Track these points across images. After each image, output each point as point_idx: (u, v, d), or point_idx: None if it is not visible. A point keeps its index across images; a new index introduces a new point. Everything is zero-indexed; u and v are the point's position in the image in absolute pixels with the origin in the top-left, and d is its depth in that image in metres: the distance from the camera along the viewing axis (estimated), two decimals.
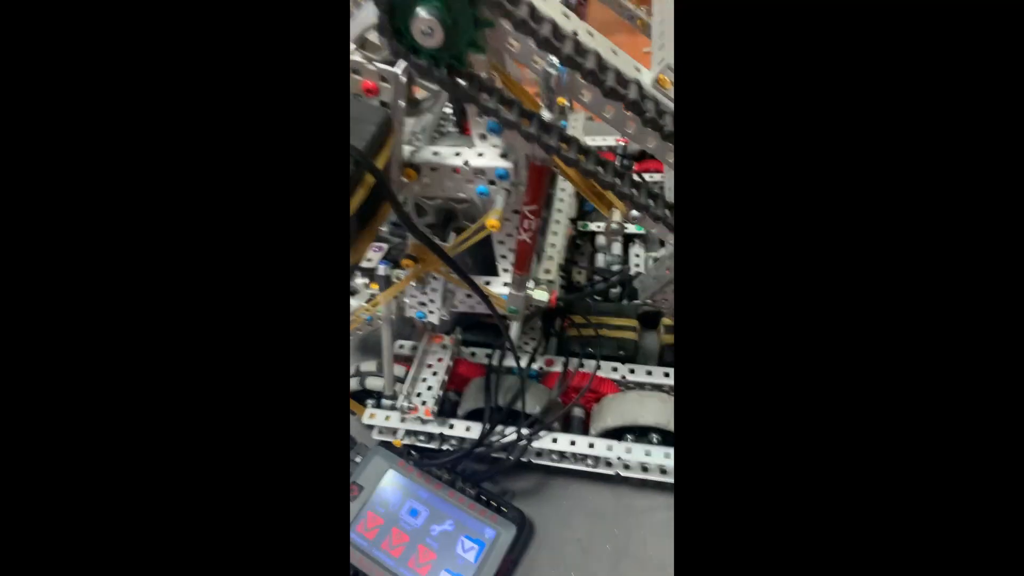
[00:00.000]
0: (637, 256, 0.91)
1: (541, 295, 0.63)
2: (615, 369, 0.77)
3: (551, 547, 0.71)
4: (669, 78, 0.42)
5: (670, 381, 0.75)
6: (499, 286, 0.67)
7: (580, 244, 0.95)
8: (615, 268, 0.90)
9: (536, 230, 0.56)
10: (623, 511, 0.73)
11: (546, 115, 0.44)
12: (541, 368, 0.79)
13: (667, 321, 0.80)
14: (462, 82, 0.38)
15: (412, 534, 0.69)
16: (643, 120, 0.42)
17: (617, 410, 0.70)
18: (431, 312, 0.73)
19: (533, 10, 0.35)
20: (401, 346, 0.81)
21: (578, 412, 0.77)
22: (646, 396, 0.71)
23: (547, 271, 0.73)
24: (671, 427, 0.68)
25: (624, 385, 0.77)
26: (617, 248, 0.91)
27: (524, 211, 0.54)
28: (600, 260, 0.92)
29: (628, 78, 0.41)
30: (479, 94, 0.38)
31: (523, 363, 0.75)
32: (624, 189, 0.47)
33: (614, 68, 0.40)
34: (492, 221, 0.53)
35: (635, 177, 0.49)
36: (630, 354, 0.79)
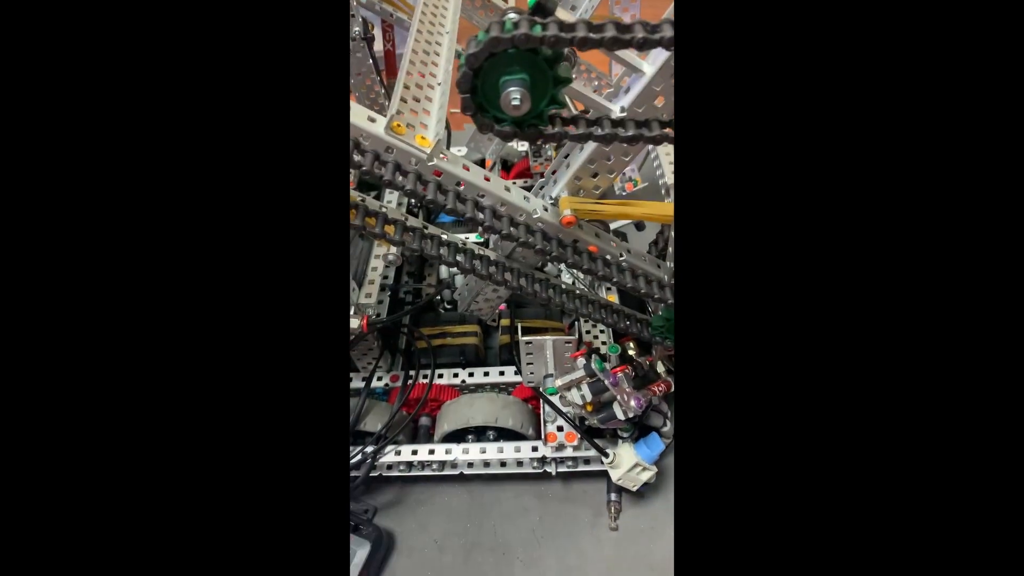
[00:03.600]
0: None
1: (352, 323, 0.66)
2: (456, 375, 0.82)
3: (411, 552, 0.76)
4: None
5: (504, 379, 0.81)
6: None
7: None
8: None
9: None
10: (475, 506, 0.79)
11: None
12: (387, 385, 0.83)
13: (504, 322, 0.86)
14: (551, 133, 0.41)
15: None
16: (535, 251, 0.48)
17: (452, 416, 0.75)
18: None
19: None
20: None
21: (425, 421, 0.81)
22: (476, 398, 0.76)
23: (368, 295, 0.77)
24: (500, 423, 0.74)
25: (465, 389, 0.82)
26: None
27: None
28: (444, 271, 0.97)
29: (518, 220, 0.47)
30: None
31: (365, 383, 0.78)
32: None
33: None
34: None
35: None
36: (471, 358, 0.84)
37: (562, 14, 0.45)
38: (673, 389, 0.75)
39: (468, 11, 0.85)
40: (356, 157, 0.43)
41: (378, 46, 0.93)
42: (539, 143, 0.42)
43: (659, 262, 0.64)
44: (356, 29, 0.83)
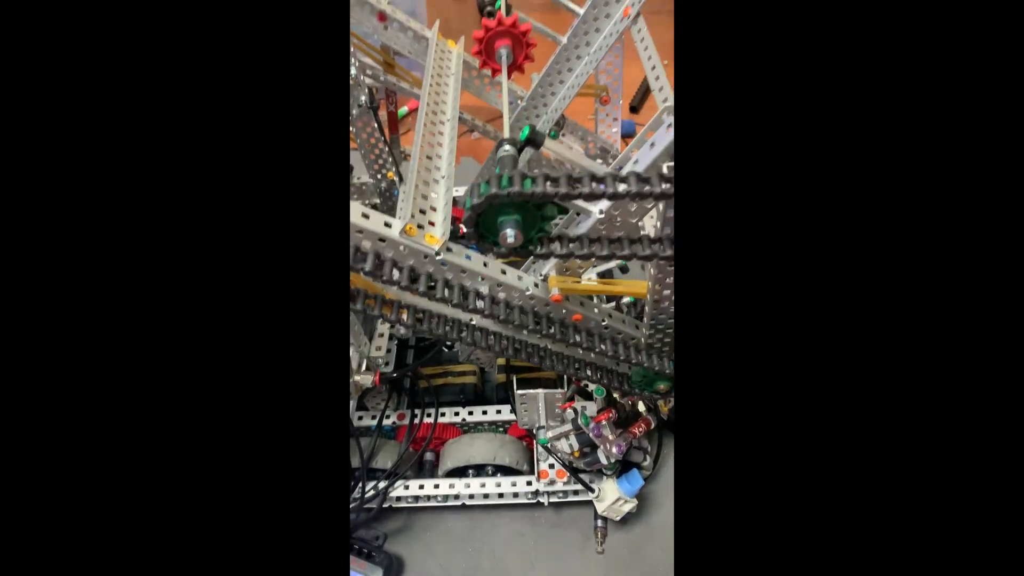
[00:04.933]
0: None
1: (366, 379, 0.75)
2: (456, 413, 0.91)
3: (419, 575, 0.85)
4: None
5: (502, 416, 0.89)
6: None
7: None
8: None
9: None
10: (476, 532, 0.88)
11: None
12: (394, 423, 0.91)
13: (500, 362, 0.95)
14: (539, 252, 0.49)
15: None
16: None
17: (454, 454, 0.84)
18: None
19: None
20: None
21: (429, 456, 0.90)
22: (476, 438, 0.85)
23: (379, 348, 0.85)
24: (498, 461, 0.83)
25: (464, 427, 0.91)
26: None
27: None
28: None
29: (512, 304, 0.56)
30: None
31: (376, 423, 0.87)
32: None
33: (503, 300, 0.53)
34: None
35: None
36: (471, 396, 0.93)
37: (553, 144, 0.53)
38: (653, 426, 0.84)
39: (466, 81, 0.93)
40: (369, 263, 0.51)
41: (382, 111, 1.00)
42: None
43: (637, 323, 0.72)
44: (363, 98, 0.90)
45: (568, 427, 0.70)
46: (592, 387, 0.85)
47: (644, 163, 0.53)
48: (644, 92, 1.61)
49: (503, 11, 0.69)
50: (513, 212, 0.44)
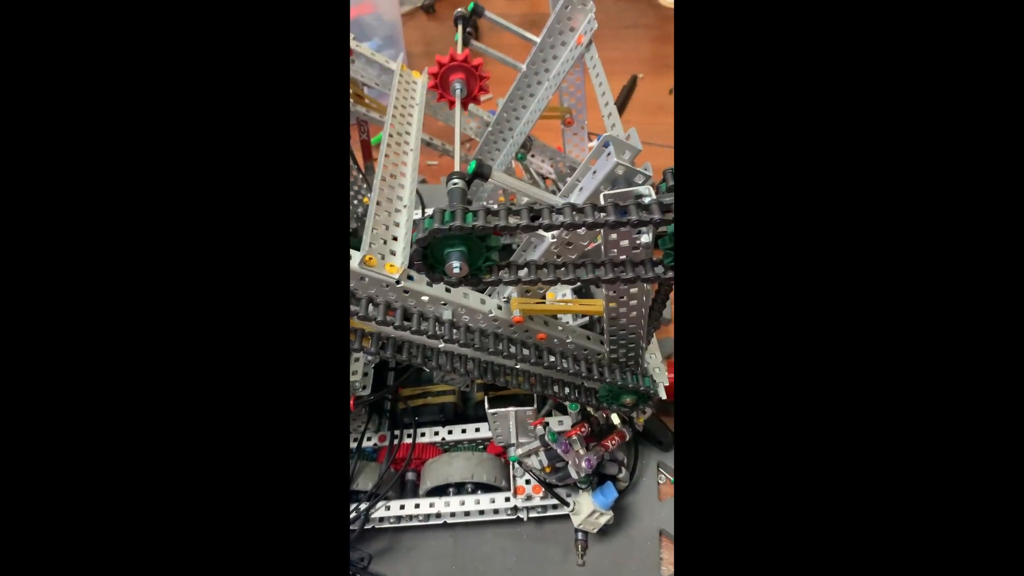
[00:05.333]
0: None
1: None
2: (436, 433, 0.92)
3: None
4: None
5: (480, 434, 0.91)
6: None
7: None
8: None
9: None
10: (459, 550, 0.89)
11: None
12: (375, 444, 0.93)
13: (479, 381, 0.96)
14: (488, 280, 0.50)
15: None
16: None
17: (433, 474, 0.86)
18: None
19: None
20: None
21: (411, 476, 0.91)
22: (454, 457, 0.86)
23: (354, 372, 0.87)
24: (476, 479, 0.84)
25: (444, 445, 0.92)
26: None
27: None
28: None
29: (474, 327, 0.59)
30: None
31: (357, 445, 0.89)
32: None
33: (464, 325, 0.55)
34: None
35: None
36: (450, 415, 0.95)
37: (500, 176, 0.55)
38: (628, 438, 0.86)
39: (435, 108, 0.96)
40: None
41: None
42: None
43: (602, 339, 0.75)
44: None
45: (536, 444, 0.72)
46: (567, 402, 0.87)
47: (588, 190, 0.55)
48: (623, 101, 1.65)
49: (458, 45, 0.72)
50: (458, 244, 0.47)
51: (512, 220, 0.45)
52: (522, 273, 0.51)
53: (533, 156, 1.05)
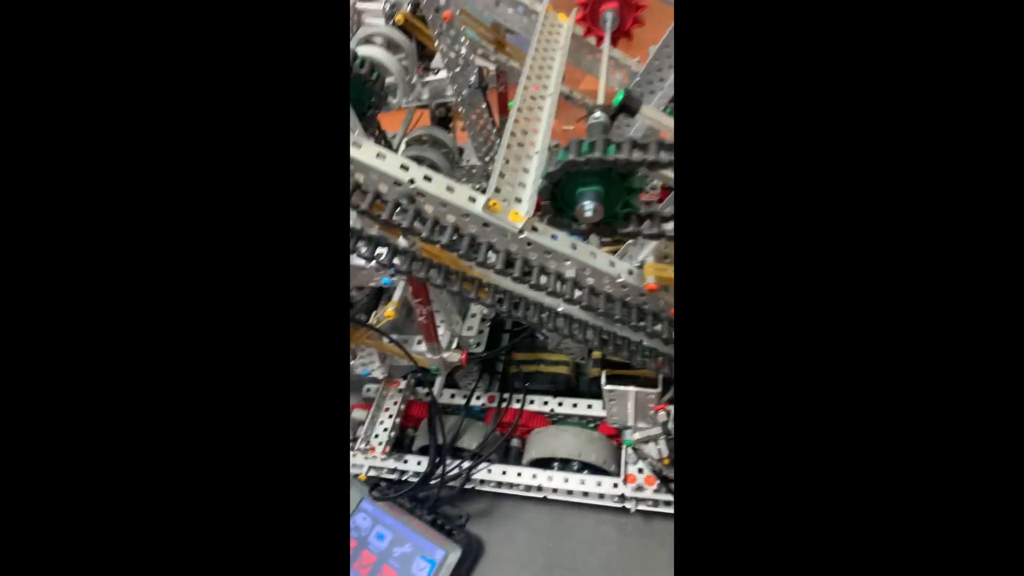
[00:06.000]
0: None
1: (453, 356, 0.75)
2: (546, 403, 0.88)
3: (496, 562, 0.84)
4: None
5: (592, 412, 0.85)
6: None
7: None
8: None
9: (428, 315, 0.67)
10: (556, 528, 0.85)
11: (402, 243, 0.56)
12: (484, 405, 0.91)
13: (596, 355, 0.90)
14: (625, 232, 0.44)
15: (379, 555, 0.83)
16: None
17: (538, 445, 0.81)
18: (374, 369, 0.87)
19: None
20: (368, 390, 0.94)
21: (516, 443, 0.88)
22: (562, 431, 0.81)
23: (470, 328, 0.85)
24: (583, 458, 0.78)
25: (552, 417, 0.87)
26: None
27: (413, 303, 0.66)
28: None
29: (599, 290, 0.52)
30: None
31: (466, 401, 0.87)
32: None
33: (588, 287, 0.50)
34: (388, 312, 0.66)
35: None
36: (562, 387, 0.89)
37: (651, 110, 0.47)
38: None
39: (578, 57, 0.88)
40: (453, 237, 0.49)
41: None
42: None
43: None
44: (472, 78, 0.90)
45: (658, 431, 0.64)
46: None
47: None
48: None
49: None
50: (595, 183, 0.40)
51: (664, 155, 0.37)
52: (667, 227, 0.43)
53: None
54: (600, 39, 0.66)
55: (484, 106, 0.94)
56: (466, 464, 0.83)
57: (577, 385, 0.92)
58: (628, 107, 0.44)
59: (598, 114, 0.45)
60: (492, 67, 0.97)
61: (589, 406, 0.85)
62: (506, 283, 0.58)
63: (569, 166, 0.38)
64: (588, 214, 0.40)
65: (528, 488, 0.82)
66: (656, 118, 0.47)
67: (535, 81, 0.68)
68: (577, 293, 0.53)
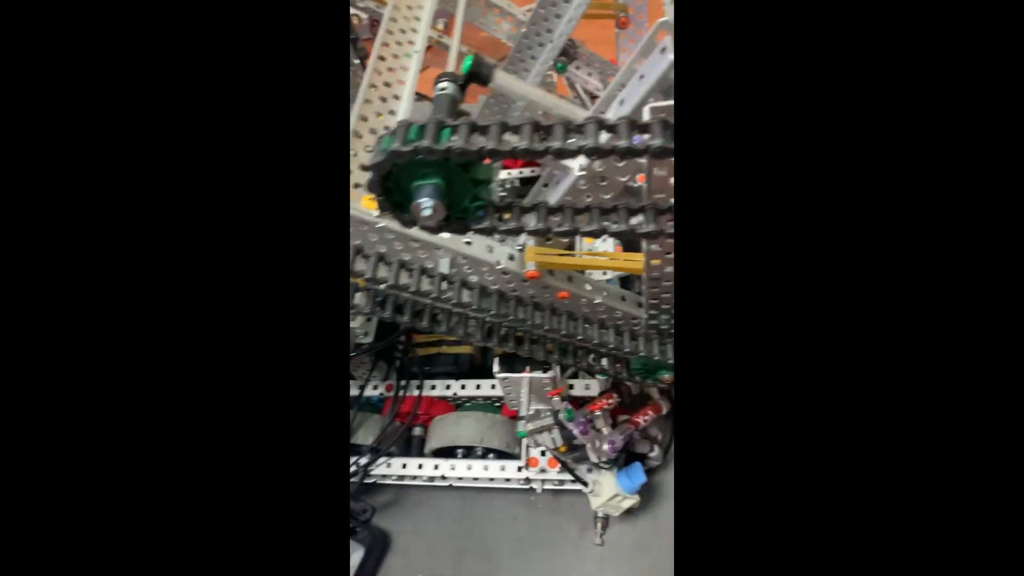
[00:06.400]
0: None
1: None
2: (448, 387, 0.83)
3: (405, 553, 0.81)
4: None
5: (497, 392, 0.81)
6: None
7: None
8: None
9: None
10: (467, 513, 0.82)
11: None
12: (382, 394, 0.85)
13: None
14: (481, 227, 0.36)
15: None
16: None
17: (439, 434, 0.77)
18: None
19: None
20: None
21: (418, 431, 0.83)
22: (463, 417, 0.77)
23: (353, 318, 0.77)
24: (486, 444, 0.75)
25: (455, 401, 0.83)
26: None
27: None
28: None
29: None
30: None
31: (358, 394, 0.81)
32: None
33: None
34: None
35: None
36: (465, 368, 0.85)
37: (506, 79, 0.40)
38: (664, 411, 0.73)
39: (473, 12, 0.79)
40: None
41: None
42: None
43: (640, 300, 0.60)
44: None
45: (550, 420, 0.61)
46: None
47: (631, 102, 0.39)
48: None
49: None
50: (432, 175, 0.33)
51: (509, 140, 0.31)
52: (528, 219, 0.37)
53: (578, 68, 0.86)
54: None
55: (357, 62, 0.83)
56: (363, 460, 0.77)
57: (484, 363, 0.87)
58: (479, 74, 0.37)
59: (444, 84, 0.37)
60: (364, 15, 0.85)
61: (493, 386, 0.81)
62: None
63: (395, 156, 0.31)
64: (425, 213, 0.33)
65: (432, 479, 0.79)
66: (511, 88, 0.40)
67: (396, 36, 0.59)
68: (444, 290, 0.47)
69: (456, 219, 0.36)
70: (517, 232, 0.37)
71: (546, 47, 0.77)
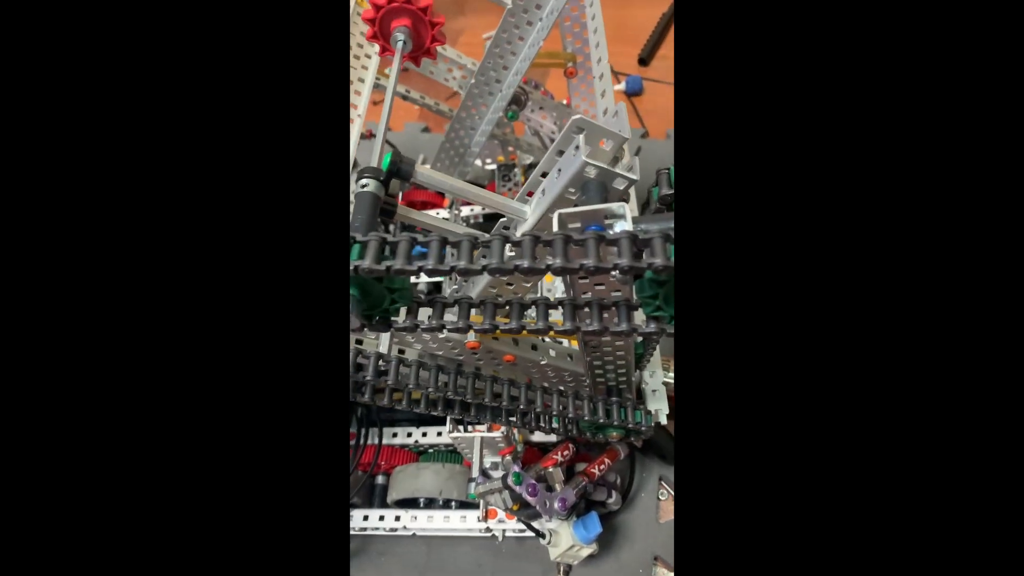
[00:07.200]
0: None
1: None
2: (409, 434, 0.83)
3: None
4: None
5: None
6: None
7: None
8: None
9: None
10: (433, 560, 0.82)
11: None
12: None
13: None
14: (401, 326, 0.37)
15: None
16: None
17: (399, 486, 0.77)
18: None
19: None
20: None
21: (381, 480, 0.83)
22: (422, 469, 0.77)
23: None
24: (445, 495, 0.75)
25: (416, 449, 0.83)
26: None
27: None
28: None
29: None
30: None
31: None
32: None
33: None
34: None
35: None
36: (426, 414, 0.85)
37: (427, 173, 0.41)
38: (623, 457, 0.74)
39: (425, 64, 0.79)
40: None
41: None
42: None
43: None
44: None
45: (497, 484, 0.61)
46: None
47: (549, 197, 0.40)
48: (655, 42, 1.40)
49: None
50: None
51: (414, 263, 0.31)
52: (449, 317, 0.37)
53: (532, 112, 0.87)
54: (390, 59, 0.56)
55: None
56: None
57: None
58: (399, 172, 0.38)
59: (365, 181, 0.37)
60: None
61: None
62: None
63: None
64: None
65: (394, 529, 0.78)
66: (433, 181, 0.40)
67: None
68: (362, 373, 0.47)
69: (378, 320, 0.37)
70: (439, 329, 0.37)
71: (496, 96, 0.78)
